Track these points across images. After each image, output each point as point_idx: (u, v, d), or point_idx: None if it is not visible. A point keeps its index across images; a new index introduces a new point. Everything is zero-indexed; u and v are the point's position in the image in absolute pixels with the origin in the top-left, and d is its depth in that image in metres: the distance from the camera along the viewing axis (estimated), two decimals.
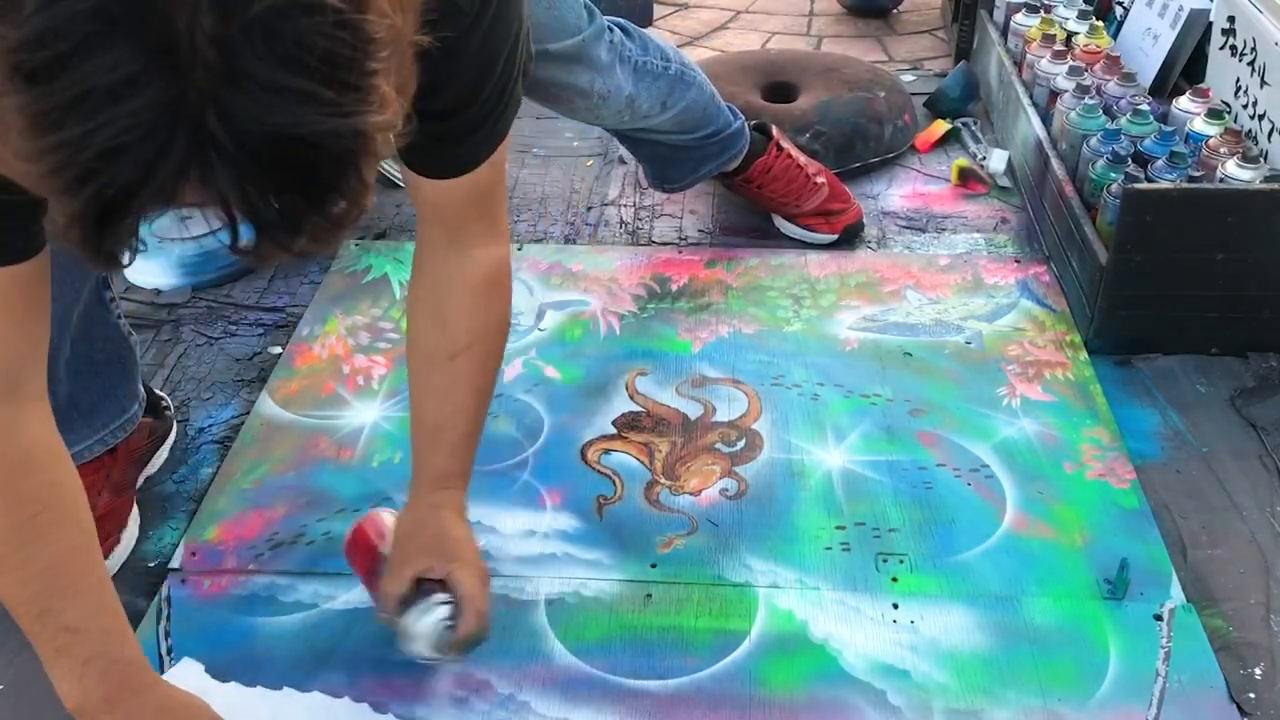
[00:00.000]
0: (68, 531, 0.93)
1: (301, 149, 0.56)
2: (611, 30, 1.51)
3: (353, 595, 1.20)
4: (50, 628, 0.92)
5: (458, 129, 0.95)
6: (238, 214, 0.59)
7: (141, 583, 1.23)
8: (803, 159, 1.78)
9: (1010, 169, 1.95)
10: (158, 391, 1.40)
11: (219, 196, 0.58)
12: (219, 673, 1.12)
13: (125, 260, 0.60)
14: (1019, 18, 2.06)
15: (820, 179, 1.77)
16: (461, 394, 1.08)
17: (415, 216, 1.09)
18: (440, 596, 1.04)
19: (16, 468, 0.90)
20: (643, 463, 1.37)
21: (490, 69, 0.92)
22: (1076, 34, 1.96)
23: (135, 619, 1.18)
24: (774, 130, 1.77)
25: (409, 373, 1.11)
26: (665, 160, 1.71)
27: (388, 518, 1.13)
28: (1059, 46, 1.89)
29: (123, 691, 0.94)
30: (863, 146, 1.97)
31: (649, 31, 1.61)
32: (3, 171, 0.56)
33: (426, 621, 1.03)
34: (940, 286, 1.68)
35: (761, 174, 1.75)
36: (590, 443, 1.40)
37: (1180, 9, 1.90)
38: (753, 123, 1.76)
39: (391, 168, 1.95)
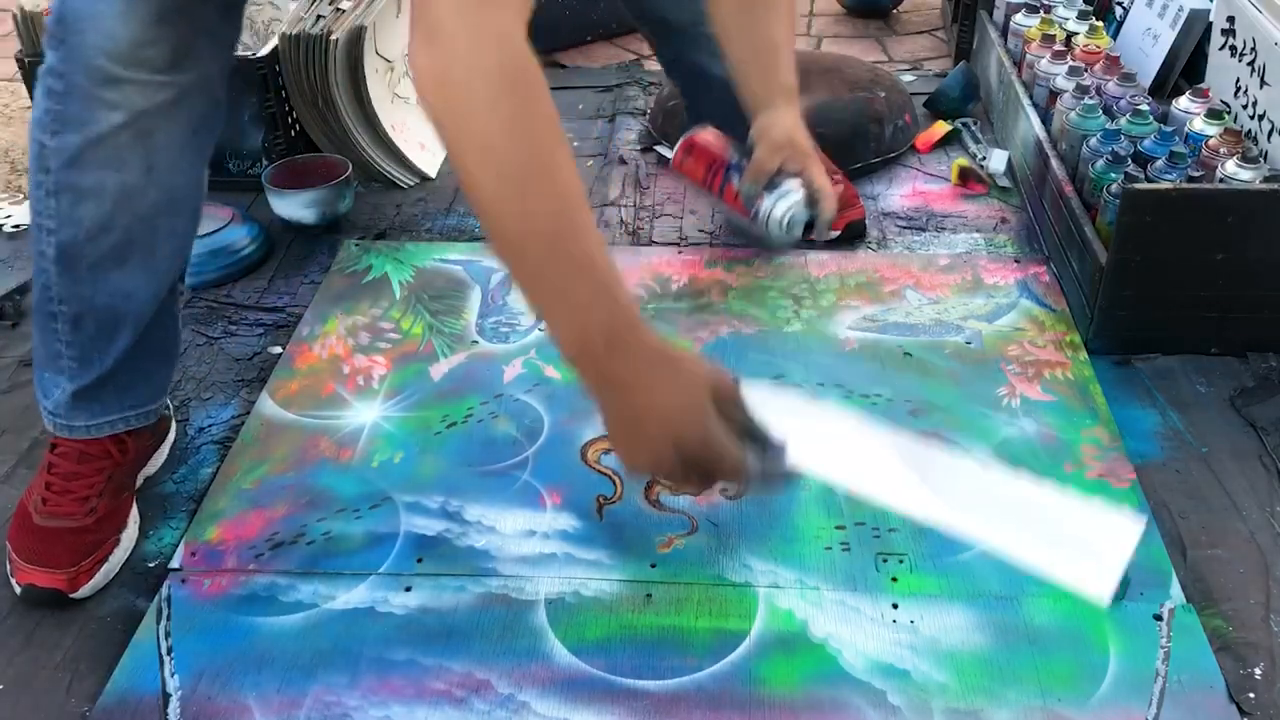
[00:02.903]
0: (570, 160, 0.89)
1: None
2: None
3: (353, 595, 1.20)
4: (560, 260, 0.87)
5: None
6: None
7: (141, 583, 1.23)
8: (822, 158, 1.81)
9: (1010, 169, 1.96)
10: None
11: None
12: (219, 672, 1.12)
13: None
14: (1019, 18, 2.06)
15: (835, 177, 1.80)
16: (785, 22, 1.22)
17: None
18: (797, 182, 1.18)
19: (533, 83, 0.86)
20: None
21: None
22: (1076, 34, 1.97)
23: (135, 619, 1.18)
24: None
25: (719, 17, 1.23)
26: (717, 122, 1.77)
27: (713, 133, 1.28)
28: (1059, 46, 1.89)
29: (622, 331, 0.89)
30: (863, 146, 1.97)
31: None
32: None
33: (788, 202, 1.18)
34: (940, 286, 1.68)
35: None
36: (590, 443, 1.40)
37: (1180, 9, 1.90)
38: None
39: (392, 168, 1.96)
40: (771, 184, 1.17)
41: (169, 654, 1.14)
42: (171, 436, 1.41)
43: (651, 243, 1.81)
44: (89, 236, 1.13)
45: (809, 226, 1.19)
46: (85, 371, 1.20)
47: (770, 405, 0.90)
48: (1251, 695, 1.09)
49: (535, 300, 0.90)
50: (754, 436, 0.88)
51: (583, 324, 0.88)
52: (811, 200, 1.19)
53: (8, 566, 1.22)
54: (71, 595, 1.19)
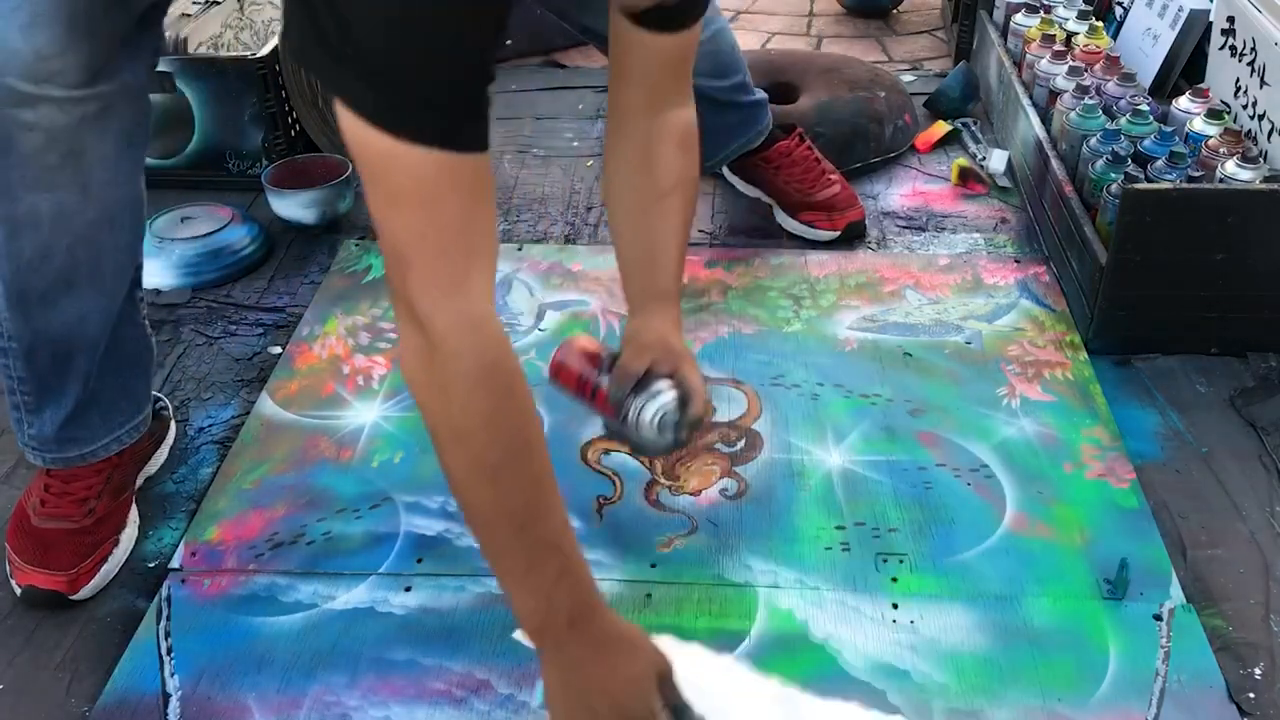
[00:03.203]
0: (543, 443, 0.93)
1: None
2: None
3: (353, 595, 1.20)
4: (527, 542, 0.92)
5: None
6: None
7: (141, 583, 1.23)
8: (820, 158, 1.82)
9: (1010, 169, 1.95)
10: (155, 393, 1.40)
11: None
12: (219, 672, 1.12)
13: None
14: (1019, 18, 2.06)
15: (833, 177, 1.81)
16: (672, 226, 1.18)
17: (610, 84, 1.18)
18: (668, 383, 1.13)
19: (509, 373, 0.91)
20: (642, 463, 1.37)
21: None
22: (1076, 34, 1.96)
23: (135, 619, 1.18)
24: (798, 128, 1.83)
25: (613, 217, 1.21)
26: (706, 128, 1.74)
27: (587, 339, 1.23)
28: (1059, 46, 1.89)
29: (583, 611, 0.94)
30: (863, 146, 1.97)
31: None
32: None
33: (657, 403, 1.12)
34: (940, 286, 1.68)
35: (782, 156, 1.79)
36: (590, 443, 1.40)
37: (1180, 9, 1.90)
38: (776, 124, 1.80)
39: None
40: (640, 386, 1.12)
41: (169, 654, 1.14)
42: (171, 436, 1.41)
43: None
44: (32, 267, 1.08)
45: (684, 427, 1.14)
46: (45, 403, 1.17)
47: (687, 675, 0.98)
48: (1251, 695, 1.09)
49: (501, 575, 0.95)
50: (683, 716, 0.95)
51: (546, 601, 0.93)
52: (683, 401, 1.13)
53: (7, 568, 1.22)
54: (71, 597, 1.19)
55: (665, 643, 1.04)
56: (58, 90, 1.01)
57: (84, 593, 1.20)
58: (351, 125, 0.82)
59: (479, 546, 0.95)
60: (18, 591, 1.20)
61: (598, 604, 0.96)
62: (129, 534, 1.27)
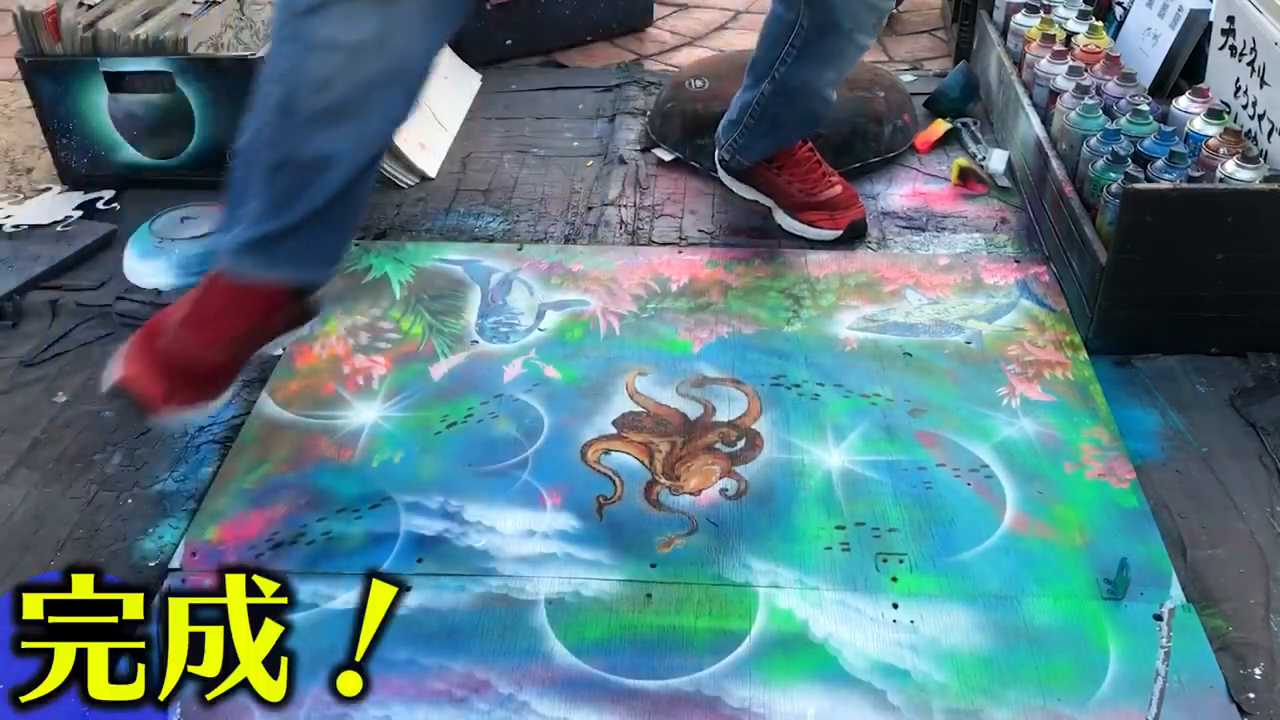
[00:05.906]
0: None
1: None
2: None
3: (353, 595, 1.20)
4: None
5: None
6: None
7: (141, 583, 1.23)
8: (821, 159, 1.83)
9: (1010, 169, 1.96)
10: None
11: None
12: None
13: None
14: (1019, 18, 2.06)
15: (834, 178, 1.82)
16: None
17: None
18: None
19: None
20: (643, 463, 1.37)
21: None
22: (1076, 34, 1.97)
23: None
24: None
25: None
26: (780, 125, 1.74)
27: None
28: (1059, 46, 1.89)
29: None
30: (863, 146, 1.97)
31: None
32: None
33: None
34: (940, 286, 1.68)
35: (786, 156, 1.79)
36: (590, 443, 1.40)
37: (1180, 9, 1.90)
38: None
39: (392, 168, 1.96)
40: None
41: None
42: (307, 328, 1.43)
43: (651, 242, 1.81)
44: (311, 89, 1.17)
45: None
46: (266, 221, 1.23)
47: None
48: (1251, 695, 1.09)
49: None
50: None
51: None
52: None
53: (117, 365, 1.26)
54: (149, 416, 1.26)
55: None
56: None
57: (159, 418, 1.26)
58: None
59: None
60: (111, 381, 1.24)
61: None
62: (216, 404, 1.33)
